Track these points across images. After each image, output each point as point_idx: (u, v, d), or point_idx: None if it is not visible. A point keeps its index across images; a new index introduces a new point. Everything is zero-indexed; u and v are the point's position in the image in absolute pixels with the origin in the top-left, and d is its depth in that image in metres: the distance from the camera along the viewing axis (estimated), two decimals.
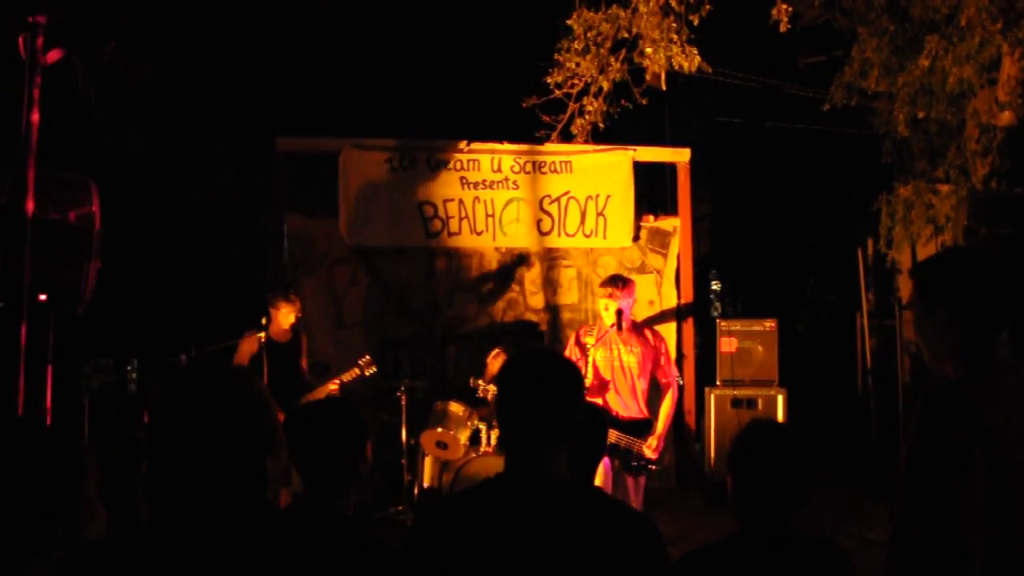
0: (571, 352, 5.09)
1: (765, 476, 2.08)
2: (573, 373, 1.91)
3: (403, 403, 6.32)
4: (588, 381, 4.96)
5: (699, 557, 2.10)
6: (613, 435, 4.75)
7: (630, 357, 4.95)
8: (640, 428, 4.90)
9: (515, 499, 1.77)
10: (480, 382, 6.00)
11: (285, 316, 5.94)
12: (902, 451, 2.01)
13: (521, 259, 7.63)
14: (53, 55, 3.36)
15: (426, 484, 6.37)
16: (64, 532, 1.68)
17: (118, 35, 3.49)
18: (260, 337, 5.70)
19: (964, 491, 1.86)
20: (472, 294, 7.56)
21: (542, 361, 1.91)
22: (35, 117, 3.21)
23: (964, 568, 1.83)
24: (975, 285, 2.04)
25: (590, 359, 4.93)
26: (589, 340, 4.99)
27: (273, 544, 1.47)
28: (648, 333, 5.16)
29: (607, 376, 4.96)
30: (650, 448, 4.83)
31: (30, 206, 3.18)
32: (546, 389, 1.83)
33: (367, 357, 6.13)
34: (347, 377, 6.04)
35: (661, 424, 4.94)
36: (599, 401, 4.87)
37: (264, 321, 5.71)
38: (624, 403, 4.94)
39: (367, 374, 6.10)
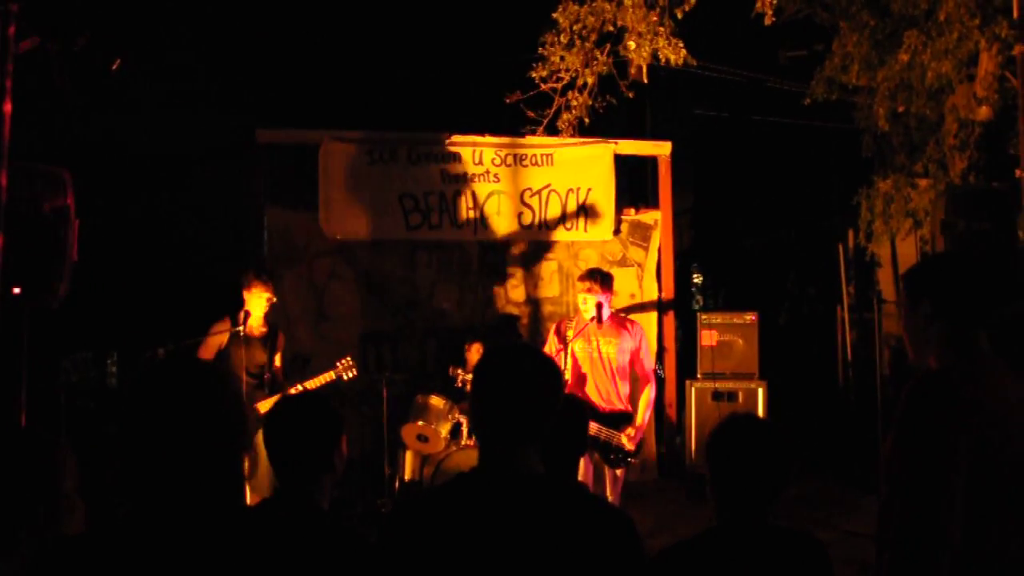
0: (551, 344, 5.08)
1: (741, 470, 2.08)
2: (550, 368, 1.88)
3: (384, 396, 6.30)
4: (568, 374, 4.95)
5: (676, 552, 2.10)
6: (593, 427, 4.74)
7: (609, 348, 4.95)
8: (620, 420, 4.90)
9: (489, 494, 1.75)
10: (459, 371, 6.00)
11: (258, 299, 5.44)
12: (886, 439, 2.06)
13: (502, 251, 7.61)
14: (26, 44, 3.32)
15: (407, 477, 6.37)
16: (34, 529, 1.66)
17: (92, 24, 3.44)
18: (239, 331, 5.33)
19: (945, 478, 1.90)
20: (453, 287, 7.54)
21: (518, 356, 1.88)
22: (7, 107, 3.16)
23: (938, 555, 1.87)
24: (958, 280, 2.13)
25: (569, 351, 4.93)
26: (570, 333, 4.98)
27: (249, 538, 1.46)
28: (628, 324, 5.16)
29: (586, 368, 4.96)
30: (628, 438, 4.83)
31: (3, 198, 3.13)
32: (521, 385, 1.80)
33: (348, 359, 5.74)
34: (320, 380, 5.59)
35: (640, 415, 4.95)
36: (578, 394, 4.86)
37: (242, 316, 5.45)
38: (603, 395, 4.93)
39: (345, 378, 5.70)
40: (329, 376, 5.64)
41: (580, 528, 1.72)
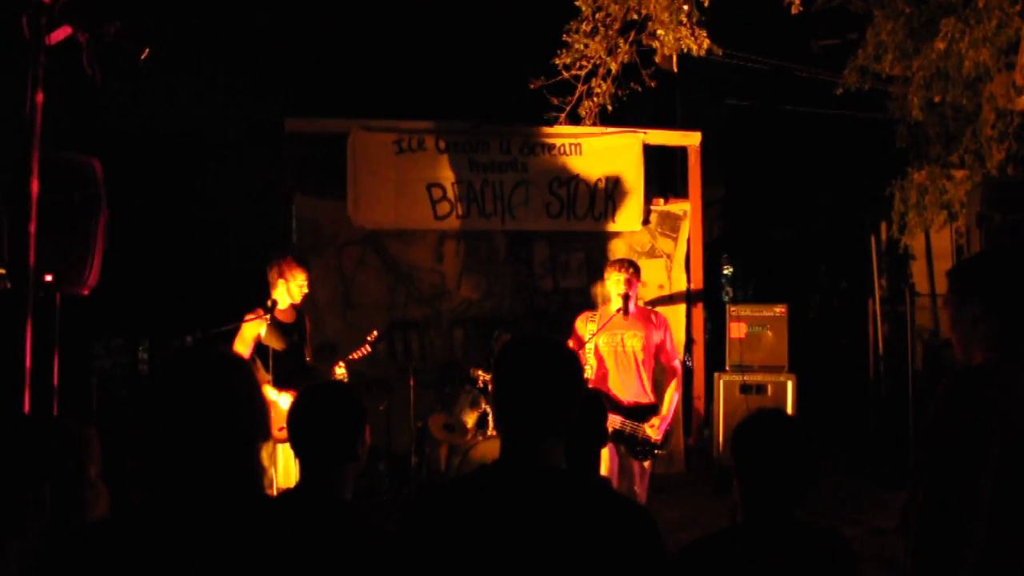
0: (575, 339, 5.04)
1: (767, 465, 2.06)
2: (571, 360, 1.86)
3: (411, 385, 6.31)
4: (591, 371, 4.92)
5: (701, 547, 2.08)
6: (617, 421, 4.71)
7: (634, 341, 4.90)
8: (645, 413, 4.85)
9: (508, 487, 1.74)
10: (479, 372, 5.99)
11: (299, 287, 5.37)
12: (920, 432, 2.05)
13: (529, 241, 7.59)
14: (58, 35, 3.34)
15: (434, 467, 6.39)
16: (50, 513, 1.68)
17: (123, 14, 3.46)
18: (265, 319, 5.17)
19: (974, 476, 1.89)
20: (480, 277, 7.54)
21: (538, 349, 1.86)
22: (39, 98, 3.19)
23: (961, 553, 1.86)
24: (1007, 278, 2.10)
25: (590, 347, 4.89)
26: (592, 327, 4.94)
27: (270, 528, 1.46)
28: (652, 316, 5.10)
29: (611, 362, 4.91)
30: (652, 428, 4.79)
31: (35, 187, 3.16)
32: (542, 377, 1.79)
33: (375, 333, 5.81)
34: (357, 355, 5.67)
35: (666, 406, 4.90)
36: (602, 387, 4.83)
37: (270, 303, 5.39)
38: (628, 388, 4.89)
39: (369, 349, 5.73)
40: (365, 350, 5.69)
41: (599, 523, 1.70)
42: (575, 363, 1.88)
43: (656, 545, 1.73)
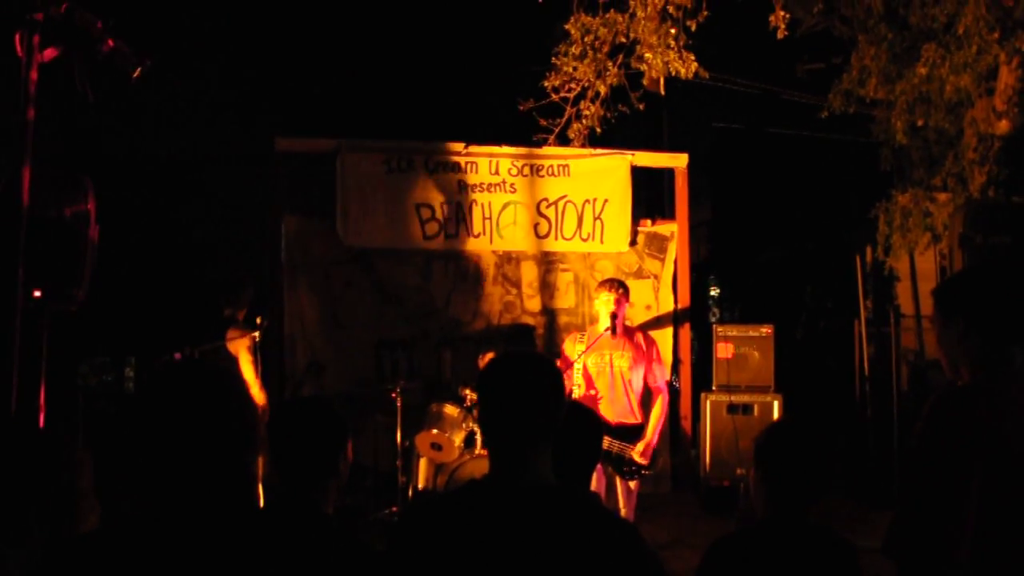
0: (563, 360, 5.07)
1: (793, 466, 2.20)
2: (553, 374, 1.89)
3: (398, 405, 6.30)
4: (579, 391, 4.93)
5: (725, 545, 2.21)
6: (605, 441, 4.73)
7: (622, 361, 4.93)
8: (632, 433, 4.88)
9: (497, 503, 1.76)
10: (467, 391, 6.00)
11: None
12: (903, 452, 2.09)
13: (518, 261, 7.62)
14: (50, 52, 3.36)
15: (420, 486, 6.37)
16: (50, 524, 1.69)
17: (115, 33, 3.48)
18: (254, 336, 5.51)
19: (958, 497, 1.89)
20: (469, 297, 7.55)
21: (519, 363, 1.90)
22: (31, 114, 3.20)
23: (949, 569, 1.88)
24: (990, 295, 2.11)
25: (579, 367, 4.91)
26: (580, 347, 4.97)
27: (254, 541, 1.47)
28: (639, 337, 5.13)
29: (599, 382, 4.94)
30: (639, 453, 4.81)
31: (26, 202, 3.17)
32: (526, 391, 1.81)
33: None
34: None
35: (651, 429, 4.92)
36: (590, 407, 4.84)
37: (259, 320, 5.56)
38: (616, 408, 4.91)
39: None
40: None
41: (588, 538, 1.72)
42: (554, 372, 1.91)
43: (644, 561, 1.74)
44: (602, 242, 7.64)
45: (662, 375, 5.15)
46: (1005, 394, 2.01)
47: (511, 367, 1.90)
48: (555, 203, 7.58)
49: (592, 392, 4.93)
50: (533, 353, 1.95)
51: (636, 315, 7.45)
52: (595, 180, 7.64)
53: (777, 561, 2.15)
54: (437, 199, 7.41)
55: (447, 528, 1.75)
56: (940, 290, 2.25)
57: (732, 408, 7.09)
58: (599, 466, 4.68)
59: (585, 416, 2.60)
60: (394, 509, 6.32)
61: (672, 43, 7.07)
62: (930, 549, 1.90)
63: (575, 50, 7.44)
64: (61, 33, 3.32)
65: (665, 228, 7.88)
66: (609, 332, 4.87)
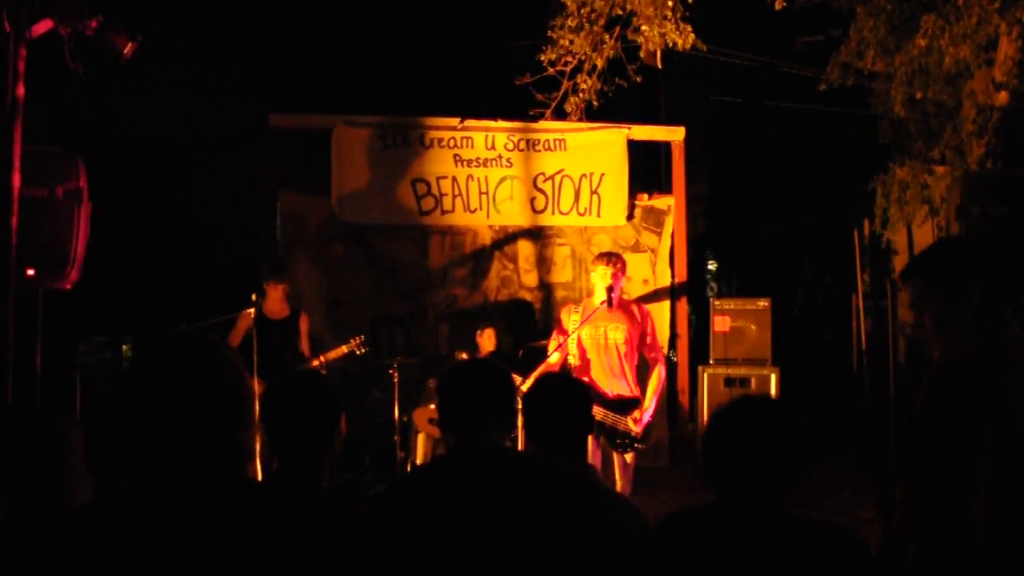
0: (556, 338, 5.06)
1: (744, 451, 1.96)
2: (499, 374, 2.30)
3: (395, 380, 6.32)
4: (575, 360, 4.94)
5: (677, 522, 2.03)
6: (599, 412, 4.73)
7: (617, 334, 4.92)
8: (628, 405, 4.88)
9: (456, 463, 2.13)
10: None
11: (273, 296, 5.95)
12: (905, 430, 2.05)
13: (515, 236, 7.60)
14: (39, 28, 3.32)
15: (419, 461, 6.40)
16: (34, 498, 1.69)
17: (105, 8, 3.45)
18: (250, 313, 5.64)
19: (970, 464, 1.89)
20: (465, 272, 7.55)
21: (472, 368, 2.41)
22: (20, 91, 3.17)
23: (967, 541, 1.86)
24: (1005, 259, 2.10)
25: (573, 338, 4.91)
26: (575, 318, 4.96)
27: (247, 514, 1.47)
28: (634, 308, 5.11)
29: (593, 354, 4.93)
30: (634, 420, 4.81)
31: (16, 181, 3.15)
32: (481, 385, 2.23)
33: (360, 337, 6.07)
34: (333, 355, 5.98)
35: (648, 399, 4.92)
36: (585, 379, 4.85)
37: (254, 297, 5.68)
38: (611, 380, 4.91)
39: (358, 352, 6.06)
40: (341, 350, 5.99)
41: (541, 492, 2.03)
42: (503, 375, 2.30)
43: (592, 510, 2.06)
44: (599, 216, 7.62)
45: (658, 348, 5.15)
46: (1007, 359, 2.01)
47: (464, 370, 2.40)
48: (552, 177, 7.55)
49: (589, 359, 4.93)
50: (481, 359, 2.29)
51: (633, 289, 7.44)
52: (592, 154, 7.60)
53: (727, 553, 1.91)
54: (433, 174, 7.38)
55: (418, 494, 2.07)
56: (947, 258, 2.18)
57: (729, 381, 7.11)
58: (593, 439, 4.70)
59: (572, 387, 2.63)
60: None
61: (669, 14, 7.00)
62: (948, 517, 1.88)
63: (571, 23, 7.37)
64: (50, 8, 3.29)
65: (662, 202, 7.86)
66: (605, 305, 4.86)
